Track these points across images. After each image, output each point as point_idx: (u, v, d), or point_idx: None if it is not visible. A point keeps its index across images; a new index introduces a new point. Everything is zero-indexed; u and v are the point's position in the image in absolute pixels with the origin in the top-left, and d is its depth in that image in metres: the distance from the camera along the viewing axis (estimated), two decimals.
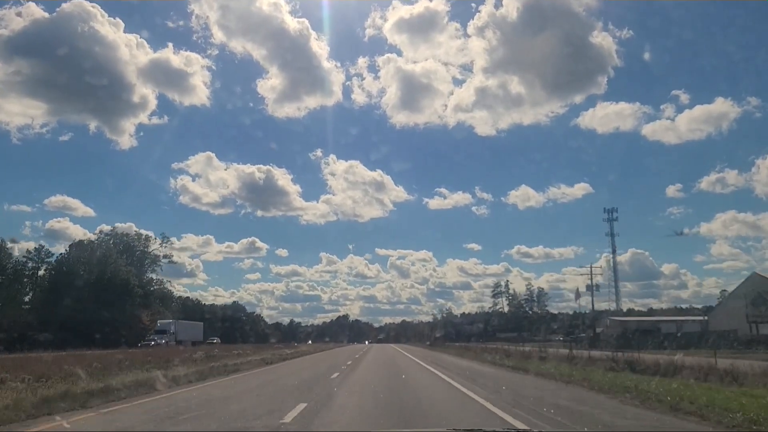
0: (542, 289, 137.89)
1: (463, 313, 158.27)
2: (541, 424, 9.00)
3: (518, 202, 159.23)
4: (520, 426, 8.60)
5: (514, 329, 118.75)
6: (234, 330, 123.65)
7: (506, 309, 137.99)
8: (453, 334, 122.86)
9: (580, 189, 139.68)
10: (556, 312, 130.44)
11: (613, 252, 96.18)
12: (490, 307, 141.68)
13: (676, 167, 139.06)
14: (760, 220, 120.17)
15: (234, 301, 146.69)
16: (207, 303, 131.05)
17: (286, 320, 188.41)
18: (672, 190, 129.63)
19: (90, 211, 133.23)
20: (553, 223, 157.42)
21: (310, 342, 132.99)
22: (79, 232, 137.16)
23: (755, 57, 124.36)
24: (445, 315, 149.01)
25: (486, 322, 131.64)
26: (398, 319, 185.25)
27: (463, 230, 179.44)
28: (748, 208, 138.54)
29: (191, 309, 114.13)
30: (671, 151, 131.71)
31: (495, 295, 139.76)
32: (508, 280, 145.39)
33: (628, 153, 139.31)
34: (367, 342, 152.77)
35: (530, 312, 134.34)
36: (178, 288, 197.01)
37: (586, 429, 8.57)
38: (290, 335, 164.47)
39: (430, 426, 9.00)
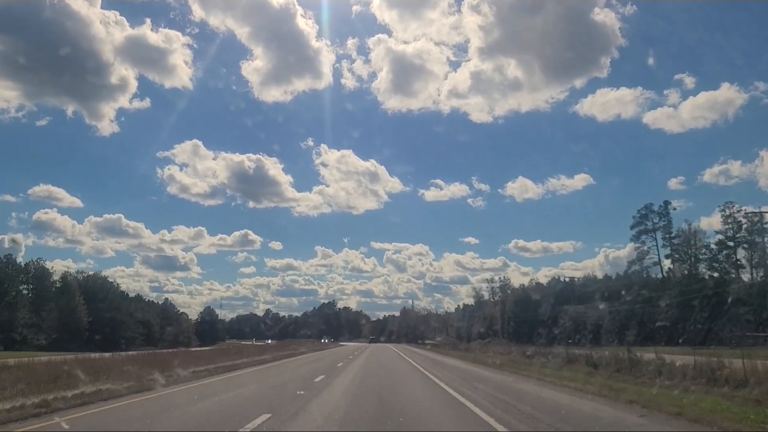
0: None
1: (554, 278, 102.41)
2: None
3: (516, 194, 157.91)
4: None
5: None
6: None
7: (666, 267, 74.87)
8: (523, 327, 79.79)
9: (581, 180, 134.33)
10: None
11: None
12: (633, 266, 77.31)
13: (679, 158, 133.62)
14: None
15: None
16: None
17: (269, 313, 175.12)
18: (674, 183, 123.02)
19: (77, 201, 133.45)
20: (551, 216, 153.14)
21: (269, 341, 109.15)
22: (67, 224, 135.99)
23: (765, 41, 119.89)
24: (497, 290, 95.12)
25: (626, 309, 67.33)
26: (396, 314, 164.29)
27: (460, 223, 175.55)
28: (750, 202, 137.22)
29: None
30: (674, 141, 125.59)
31: (640, 236, 74.12)
32: (670, 204, 78.38)
33: (630, 142, 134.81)
34: (326, 340, 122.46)
35: (727, 275, 66.57)
36: (174, 283, 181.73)
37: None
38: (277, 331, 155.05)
39: None
